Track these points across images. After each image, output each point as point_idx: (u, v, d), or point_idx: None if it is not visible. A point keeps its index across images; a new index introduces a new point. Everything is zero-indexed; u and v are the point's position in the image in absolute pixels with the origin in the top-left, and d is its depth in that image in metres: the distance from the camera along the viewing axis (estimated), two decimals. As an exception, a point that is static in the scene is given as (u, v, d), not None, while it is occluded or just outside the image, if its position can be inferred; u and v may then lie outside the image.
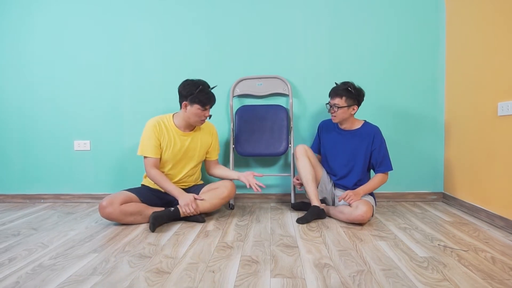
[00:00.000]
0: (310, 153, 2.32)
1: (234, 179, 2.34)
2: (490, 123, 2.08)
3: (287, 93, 2.66)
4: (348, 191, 2.13)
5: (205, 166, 2.46)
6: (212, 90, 2.18)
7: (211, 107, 2.19)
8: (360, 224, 2.06)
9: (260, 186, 2.19)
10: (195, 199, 2.11)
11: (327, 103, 2.26)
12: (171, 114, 2.27)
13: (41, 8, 2.79)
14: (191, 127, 2.27)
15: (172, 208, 2.08)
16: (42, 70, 2.81)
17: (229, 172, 2.39)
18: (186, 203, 2.07)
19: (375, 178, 2.20)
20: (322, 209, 2.19)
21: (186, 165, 2.29)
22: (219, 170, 2.41)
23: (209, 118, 2.22)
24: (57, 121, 2.82)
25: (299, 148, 2.30)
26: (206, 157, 2.39)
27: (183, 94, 2.15)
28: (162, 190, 2.23)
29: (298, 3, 2.69)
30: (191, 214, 2.09)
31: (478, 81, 2.21)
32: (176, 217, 2.10)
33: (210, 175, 2.46)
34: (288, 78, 2.69)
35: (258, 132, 2.61)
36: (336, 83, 2.25)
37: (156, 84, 2.77)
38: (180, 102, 2.19)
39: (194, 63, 2.74)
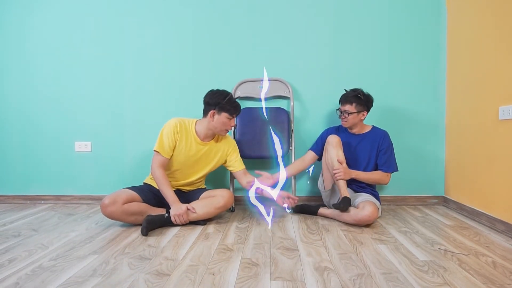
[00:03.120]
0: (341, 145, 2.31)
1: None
2: (491, 127, 2.08)
3: (288, 96, 2.67)
4: (341, 167, 2.17)
5: (236, 178, 2.40)
6: None
7: (237, 116, 2.24)
8: (361, 226, 2.06)
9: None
10: (188, 209, 2.07)
11: (337, 109, 2.34)
12: (194, 120, 2.26)
13: (42, 9, 2.80)
14: (211, 137, 2.26)
15: (166, 215, 2.07)
16: (43, 71, 2.83)
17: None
18: (177, 213, 2.04)
19: (376, 172, 2.29)
20: (350, 199, 2.17)
21: (195, 173, 2.29)
22: (248, 179, 2.33)
23: (235, 128, 2.24)
24: (58, 122, 2.83)
25: (336, 138, 2.25)
26: (230, 169, 2.36)
27: (210, 103, 2.16)
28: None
29: (300, 7, 2.69)
30: (181, 224, 2.08)
31: (480, 85, 2.21)
32: (169, 224, 2.08)
33: (244, 186, 2.38)
34: (289, 80, 2.70)
35: (259, 134, 2.61)
36: (345, 90, 2.33)
37: (157, 85, 2.77)
38: (206, 111, 2.19)
39: (196, 65, 2.75)
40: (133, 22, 2.77)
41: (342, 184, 2.19)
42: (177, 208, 2.05)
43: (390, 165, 2.29)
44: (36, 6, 2.80)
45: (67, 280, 1.36)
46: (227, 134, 2.37)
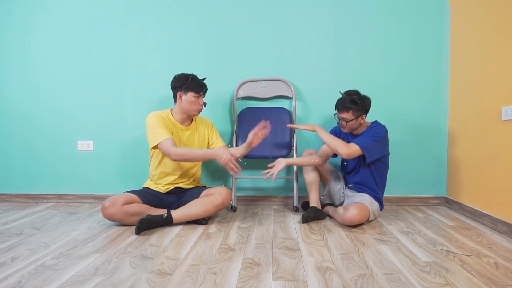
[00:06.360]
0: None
1: (245, 151, 2.25)
2: (494, 127, 2.08)
3: (291, 96, 2.67)
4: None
5: None
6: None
7: (204, 94, 2.27)
8: (352, 226, 2.07)
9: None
10: (232, 155, 2.06)
11: (335, 114, 2.26)
12: (169, 110, 2.31)
13: (45, 11, 2.81)
14: (188, 119, 2.32)
15: (165, 214, 2.07)
16: (46, 70, 2.83)
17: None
18: (225, 163, 2.03)
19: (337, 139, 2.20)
20: (320, 210, 2.29)
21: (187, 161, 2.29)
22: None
23: (205, 106, 2.29)
24: (60, 121, 2.84)
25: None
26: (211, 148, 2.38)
27: (176, 86, 2.24)
28: (164, 192, 2.24)
29: (302, 7, 2.69)
30: (235, 172, 2.05)
31: (482, 86, 2.20)
32: (168, 224, 2.08)
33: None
34: (291, 81, 2.70)
35: (261, 134, 2.60)
36: (340, 93, 2.25)
37: (159, 85, 2.77)
38: (175, 95, 2.26)
39: (198, 64, 2.75)
40: (135, 23, 2.77)
41: (313, 193, 2.30)
42: (222, 160, 2.03)
43: (363, 143, 2.13)
44: (38, 7, 2.81)
45: (69, 279, 1.36)
46: (205, 118, 2.44)
